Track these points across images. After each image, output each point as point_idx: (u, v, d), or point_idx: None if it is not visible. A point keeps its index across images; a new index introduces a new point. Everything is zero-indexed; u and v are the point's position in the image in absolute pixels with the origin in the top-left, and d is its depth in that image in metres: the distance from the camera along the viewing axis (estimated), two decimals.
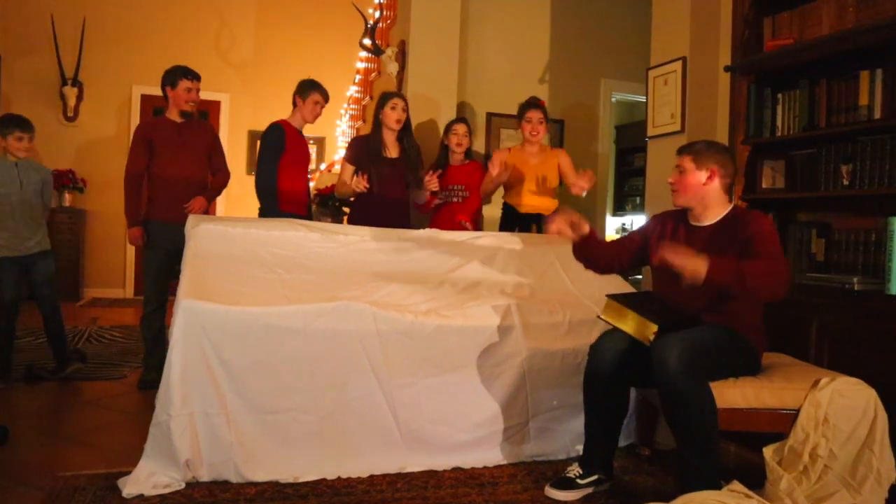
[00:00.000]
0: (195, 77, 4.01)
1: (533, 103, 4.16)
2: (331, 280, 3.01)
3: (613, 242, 2.93)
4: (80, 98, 7.91)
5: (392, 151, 4.06)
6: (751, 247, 2.42)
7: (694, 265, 2.24)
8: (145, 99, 8.09)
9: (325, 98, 4.22)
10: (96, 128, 7.99)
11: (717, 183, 2.57)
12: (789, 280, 2.38)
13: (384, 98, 4.07)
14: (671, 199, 2.70)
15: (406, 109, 4.05)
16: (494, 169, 4.04)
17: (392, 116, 3.98)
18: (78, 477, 2.51)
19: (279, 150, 4.04)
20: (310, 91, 4.15)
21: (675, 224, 2.73)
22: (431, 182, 3.94)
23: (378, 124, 4.06)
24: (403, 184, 4.07)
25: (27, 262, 3.93)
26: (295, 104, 4.21)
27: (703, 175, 2.56)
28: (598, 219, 5.96)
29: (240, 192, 7.66)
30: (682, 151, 2.65)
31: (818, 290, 3.05)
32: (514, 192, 4.19)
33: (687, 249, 2.31)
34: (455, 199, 4.31)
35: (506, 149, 4.33)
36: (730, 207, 2.61)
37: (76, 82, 7.85)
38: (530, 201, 4.14)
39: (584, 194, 3.71)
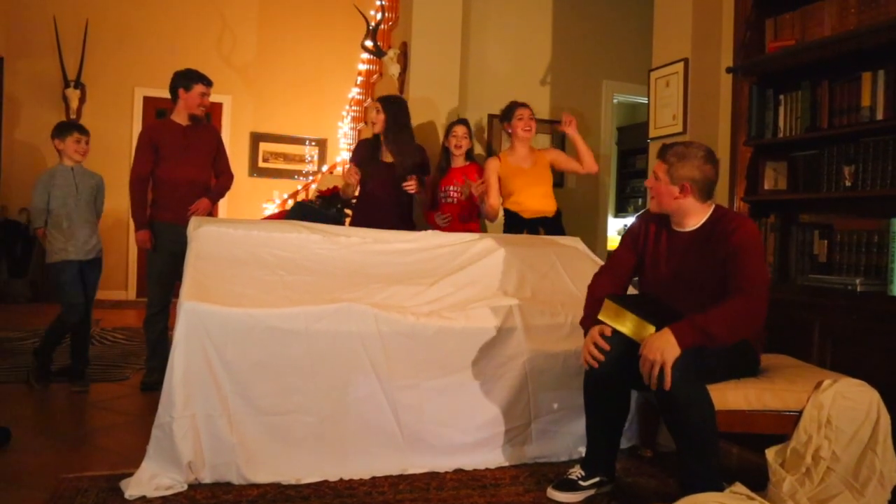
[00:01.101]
0: (210, 83, 4.07)
1: (520, 103, 4.20)
2: (332, 281, 3.02)
3: (614, 269, 2.79)
4: (82, 100, 7.93)
5: (388, 156, 4.14)
6: (729, 270, 2.39)
7: (668, 353, 2.20)
8: (148, 101, 8.11)
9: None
10: (99, 130, 7.90)
11: (690, 197, 2.51)
12: (763, 312, 2.36)
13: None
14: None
15: (381, 111, 4.10)
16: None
17: (369, 119, 4.15)
18: (80, 479, 2.51)
19: None
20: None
21: (657, 229, 2.68)
22: (409, 186, 3.98)
23: None
24: (393, 185, 4.08)
25: (83, 266, 3.95)
26: None
27: (675, 190, 2.51)
28: (601, 220, 5.95)
29: (242, 194, 7.68)
30: (659, 156, 2.57)
31: (820, 292, 3.05)
32: (515, 198, 4.17)
33: (651, 344, 2.23)
34: (450, 201, 4.30)
35: (495, 157, 4.34)
36: (710, 211, 2.56)
37: (79, 84, 7.86)
38: (534, 206, 4.13)
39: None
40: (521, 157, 4.16)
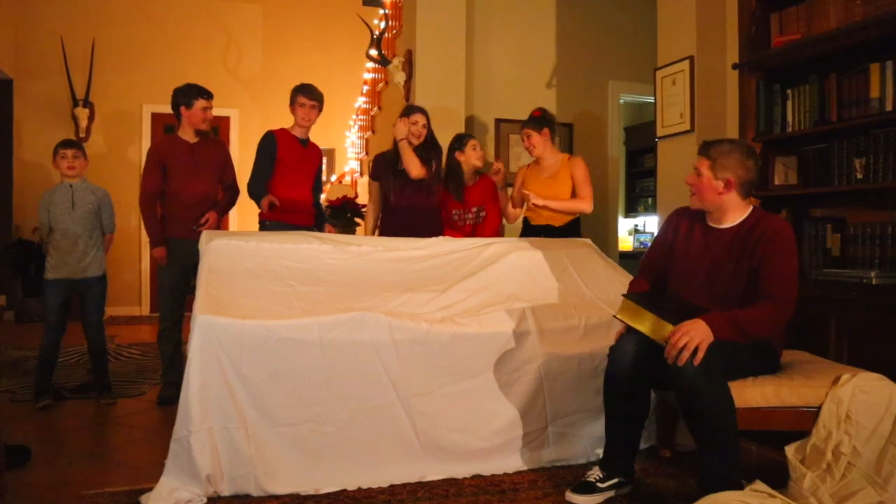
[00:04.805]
0: (210, 96, 4.03)
1: (526, 120, 4.09)
2: (345, 291, 3.02)
3: (649, 270, 2.83)
4: (91, 119, 7.99)
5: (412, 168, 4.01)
6: (762, 273, 2.39)
7: (706, 338, 2.24)
8: (156, 117, 8.18)
9: (309, 97, 4.15)
10: (108, 148, 8.08)
11: (734, 192, 2.51)
12: (790, 315, 2.39)
13: (405, 112, 4.13)
14: (687, 199, 2.66)
15: (427, 126, 4.09)
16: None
17: (411, 130, 4.03)
18: (100, 495, 2.52)
19: (266, 157, 4.09)
20: (295, 95, 4.17)
21: (690, 225, 2.69)
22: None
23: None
24: (425, 194, 4.07)
25: (78, 285, 3.96)
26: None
27: (719, 185, 2.51)
28: (611, 221, 5.94)
29: (252, 207, 7.69)
30: (701, 152, 2.58)
31: (835, 286, 3.03)
32: (528, 206, 4.17)
33: (689, 325, 2.26)
34: (474, 222, 4.26)
35: (524, 166, 4.31)
36: (749, 210, 2.56)
37: (87, 103, 7.93)
38: (541, 214, 4.11)
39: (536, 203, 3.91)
40: (543, 167, 4.12)
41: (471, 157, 4.18)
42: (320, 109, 4.22)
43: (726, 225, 2.57)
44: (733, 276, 2.48)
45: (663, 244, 2.78)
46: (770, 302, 2.35)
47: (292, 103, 4.17)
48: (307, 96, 4.13)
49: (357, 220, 5.11)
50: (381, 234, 4.11)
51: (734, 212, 2.55)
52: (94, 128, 8.03)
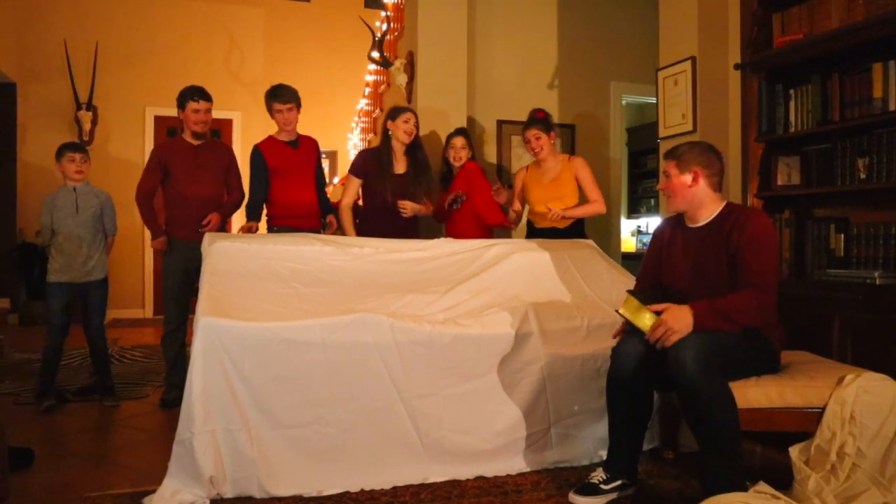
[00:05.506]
0: (202, 97, 3.98)
1: (529, 121, 4.09)
2: (347, 293, 3.02)
3: (645, 281, 2.86)
4: (94, 122, 8.02)
5: (399, 167, 4.13)
6: (739, 262, 2.43)
7: (686, 327, 2.31)
8: (159, 120, 8.20)
9: (283, 101, 4.07)
10: (111, 150, 8.09)
11: (703, 183, 2.58)
12: (772, 303, 2.43)
13: (395, 112, 4.11)
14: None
15: (417, 125, 4.12)
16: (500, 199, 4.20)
17: (403, 129, 4.06)
18: (103, 497, 2.53)
19: (258, 173, 4.08)
20: (269, 102, 4.12)
21: (672, 230, 2.76)
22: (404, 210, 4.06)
23: (387, 138, 4.10)
24: (409, 195, 4.11)
25: (81, 289, 3.98)
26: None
27: (687, 178, 2.59)
28: (614, 222, 5.93)
29: None
30: (666, 157, 2.69)
31: (839, 286, 3.02)
32: (532, 209, 4.19)
33: (671, 319, 2.33)
34: (455, 206, 4.27)
35: (523, 168, 4.33)
36: (722, 205, 2.62)
37: (90, 106, 7.96)
38: (546, 219, 4.11)
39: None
40: (544, 169, 4.13)
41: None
42: (299, 108, 4.17)
43: (702, 222, 2.62)
44: (715, 270, 2.52)
45: (653, 253, 2.84)
46: (749, 289, 2.38)
47: (269, 110, 4.13)
48: (280, 101, 4.08)
49: (358, 220, 5.10)
50: (359, 232, 4.14)
51: (708, 207, 2.61)
52: (98, 131, 8.06)
